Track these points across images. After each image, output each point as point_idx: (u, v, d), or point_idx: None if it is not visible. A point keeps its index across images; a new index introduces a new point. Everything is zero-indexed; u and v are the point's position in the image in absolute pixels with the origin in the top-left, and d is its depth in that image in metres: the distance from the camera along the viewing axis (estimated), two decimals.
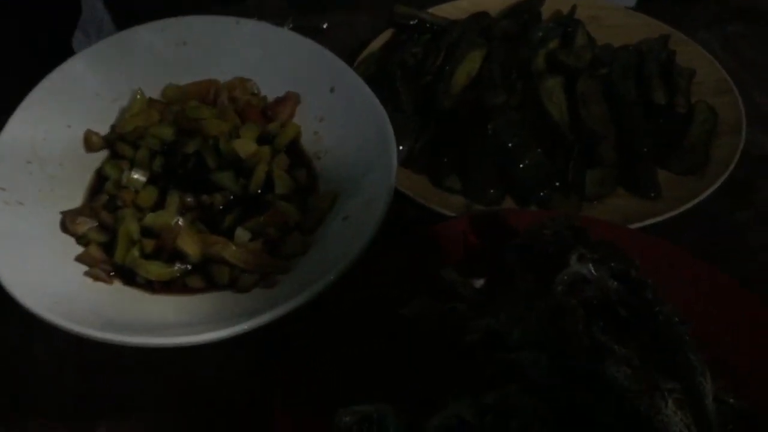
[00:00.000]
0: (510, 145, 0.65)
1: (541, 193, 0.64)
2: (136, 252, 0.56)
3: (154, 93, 0.68)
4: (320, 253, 0.56)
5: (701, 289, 0.53)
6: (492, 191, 0.64)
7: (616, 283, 0.46)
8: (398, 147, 0.66)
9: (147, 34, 0.69)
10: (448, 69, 0.70)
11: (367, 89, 0.64)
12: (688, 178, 0.65)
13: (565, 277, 0.46)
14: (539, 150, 0.65)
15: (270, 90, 0.69)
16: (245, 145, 0.62)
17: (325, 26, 0.85)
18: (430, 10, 0.81)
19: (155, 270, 0.55)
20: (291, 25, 0.82)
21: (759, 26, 0.83)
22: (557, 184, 0.64)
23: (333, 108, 0.66)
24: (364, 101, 0.64)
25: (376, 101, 0.63)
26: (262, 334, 0.48)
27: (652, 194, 0.64)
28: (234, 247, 0.55)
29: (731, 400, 0.48)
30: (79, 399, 0.53)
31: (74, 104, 0.65)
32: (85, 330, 0.47)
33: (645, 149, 0.65)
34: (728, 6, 0.86)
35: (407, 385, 0.44)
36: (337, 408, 0.42)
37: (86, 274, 0.55)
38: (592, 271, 0.46)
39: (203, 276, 0.56)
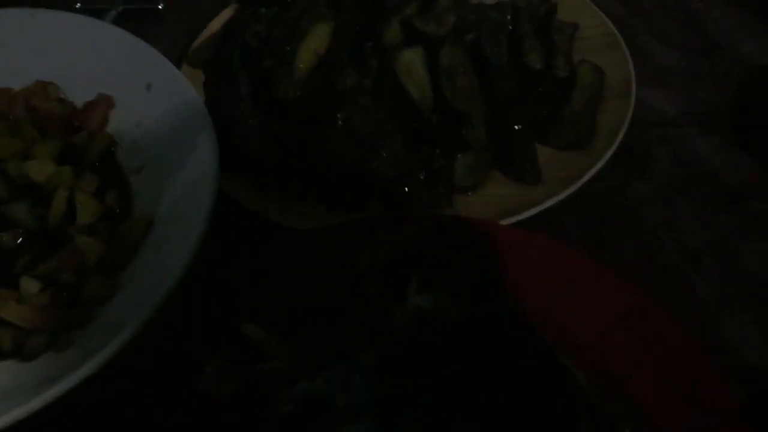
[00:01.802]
0: (364, 135, 0.55)
1: (406, 189, 0.54)
2: None
3: None
4: (129, 297, 0.45)
5: (579, 292, 0.44)
6: (349, 195, 0.54)
7: (464, 306, 0.37)
8: (237, 148, 0.57)
9: None
10: (290, 48, 0.59)
11: (187, 85, 0.54)
12: (574, 153, 0.56)
13: (403, 314, 0.37)
14: (399, 138, 0.55)
15: (78, 94, 0.57)
16: (41, 167, 0.51)
17: (161, 6, 0.73)
18: None
19: None
20: (120, 8, 0.71)
21: None
22: (422, 177, 0.55)
23: (151, 110, 0.55)
24: (185, 100, 0.53)
25: (196, 99, 0.53)
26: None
27: (531, 179, 0.55)
28: (15, 305, 0.45)
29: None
30: None
31: None
32: None
33: (519, 125, 0.56)
34: None
35: None
36: None
37: None
38: (433, 301, 0.37)
39: None
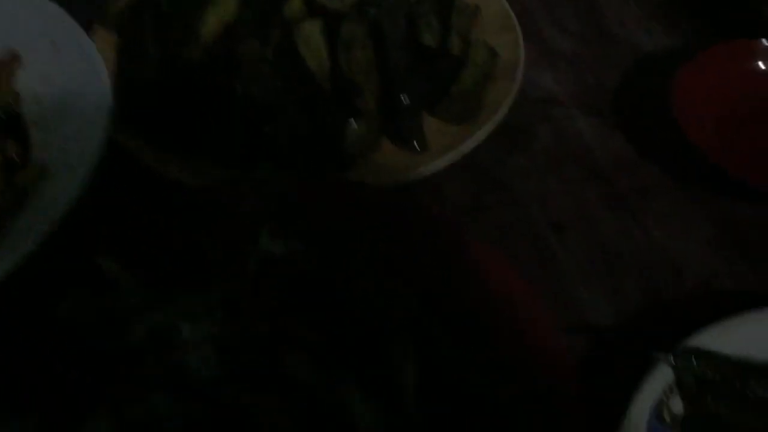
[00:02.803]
0: (261, 100, 0.58)
1: (299, 156, 0.57)
2: None
3: None
4: (14, 242, 0.48)
5: (428, 245, 0.47)
6: (240, 156, 0.57)
7: (313, 254, 0.41)
8: (142, 108, 0.60)
9: None
10: (198, 15, 0.62)
11: (88, 42, 0.56)
12: (460, 126, 0.60)
13: (253, 261, 0.40)
14: (295, 105, 0.58)
15: None
16: None
17: None
18: None
19: None
20: None
21: None
22: (317, 143, 0.58)
23: (56, 66, 0.57)
24: (83, 55, 0.56)
25: (94, 53, 0.55)
26: None
27: (416, 147, 0.58)
28: None
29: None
30: None
31: None
32: None
33: (408, 97, 0.59)
34: None
35: (54, 405, 0.38)
36: None
37: None
38: (284, 246, 0.40)
39: None
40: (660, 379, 0.44)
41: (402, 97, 0.59)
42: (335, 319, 0.39)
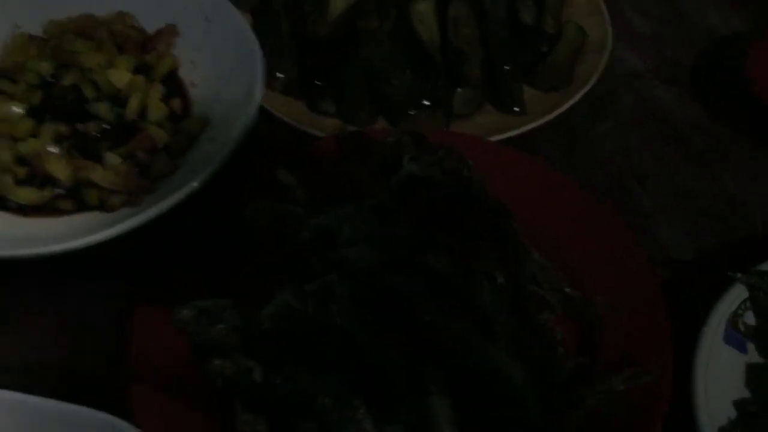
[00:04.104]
0: (381, 68, 0.68)
1: (411, 113, 0.66)
2: (8, 179, 0.58)
3: (34, 29, 0.69)
4: (187, 173, 0.58)
5: (541, 190, 0.56)
6: (363, 113, 0.67)
7: (446, 178, 0.50)
8: (276, 74, 0.70)
9: None
10: None
11: (240, 18, 0.67)
12: (553, 95, 0.68)
13: (398, 178, 0.49)
14: (409, 72, 0.68)
15: (149, 23, 0.70)
16: (120, 75, 0.64)
17: None
18: None
19: (25, 195, 0.57)
20: None
21: None
22: (426, 103, 0.67)
23: (209, 38, 0.68)
24: (237, 29, 0.66)
25: (248, 29, 0.65)
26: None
27: (516, 109, 0.67)
28: (102, 170, 0.58)
29: (567, 290, 0.52)
30: None
31: None
32: None
33: (508, 68, 0.68)
34: None
35: (247, 286, 0.47)
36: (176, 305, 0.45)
37: None
38: (422, 168, 0.49)
39: (74, 199, 0.58)
40: (736, 295, 0.51)
41: (504, 67, 0.68)
42: (464, 225, 0.48)
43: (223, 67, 0.66)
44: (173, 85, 0.67)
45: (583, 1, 0.76)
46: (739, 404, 0.47)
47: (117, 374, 0.49)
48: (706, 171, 0.64)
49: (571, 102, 0.66)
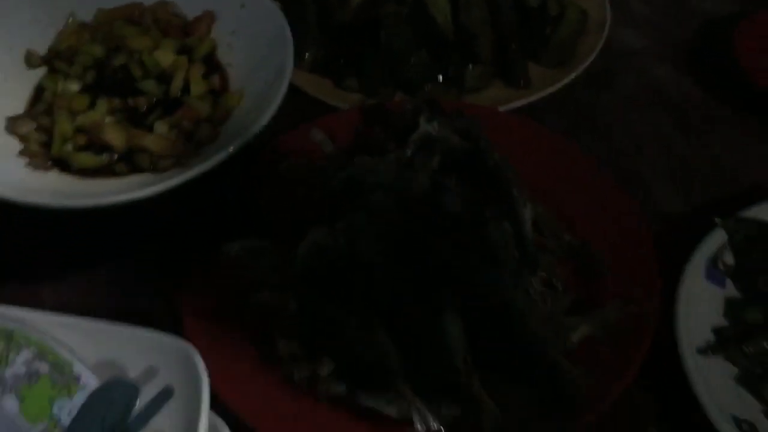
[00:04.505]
0: (399, 48, 0.74)
1: (426, 88, 0.73)
2: (69, 145, 0.65)
3: (86, 17, 0.77)
4: (227, 139, 0.65)
5: (543, 153, 0.63)
6: (384, 88, 0.73)
7: (456, 137, 0.56)
8: (305, 54, 0.77)
9: None
10: None
11: (272, 4, 0.74)
12: (557, 70, 0.75)
13: (416, 136, 0.56)
14: (424, 51, 0.75)
15: (189, 10, 0.78)
16: (165, 56, 0.72)
17: None
18: None
19: (86, 159, 0.65)
20: None
21: None
22: (440, 79, 0.74)
23: (243, 22, 0.75)
24: (270, 15, 0.73)
25: (279, 15, 0.72)
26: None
27: (522, 83, 0.73)
28: (152, 137, 0.65)
29: (566, 237, 0.59)
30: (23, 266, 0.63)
31: (15, 29, 0.74)
32: (31, 199, 0.57)
33: (515, 46, 0.75)
34: None
35: (284, 230, 0.54)
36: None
37: (27, 165, 0.64)
38: (437, 128, 0.56)
39: (128, 163, 0.65)
40: (717, 239, 0.57)
41: (512, 46, 0.75)
42: (474, 176, 0.55)
43: (257, 49, 0.73)
44: (212, 65, 0.74)
45: None
46: (716, 330, 0.54)
47: (170, 311, 0.56)
48: (697, 139, 0.70)
49: (572, 76, 0.72)
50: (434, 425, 0.48)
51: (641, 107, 0.73)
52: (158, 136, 0.65)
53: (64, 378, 0.48)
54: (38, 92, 0.72)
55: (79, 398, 0.47)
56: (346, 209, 0.52)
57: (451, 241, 0.51)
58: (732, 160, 0.68)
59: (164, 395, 0.46)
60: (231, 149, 0.61)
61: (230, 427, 0.47)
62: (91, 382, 0.48)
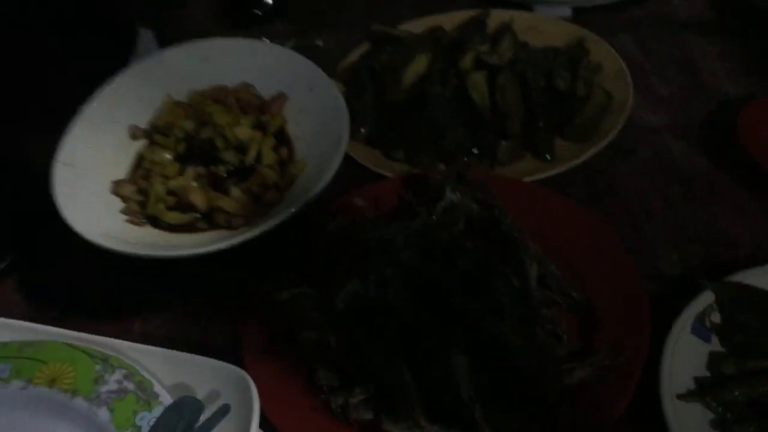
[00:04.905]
0: (441, 124, 0.86)
1: (464, 159, 0.85)
2: (161, 205, 0.79)
3: (181, 97, 0.92)
4: (290, 202, 0.78)
5: (561, 219, 0.73)
6: (426, 159, 0.85)
7: (476, 206, 0.67)
8: (361, 129, 0.90)
9: (177, 53, 0.93)
10: (400, 69, 0.92)
11: (335, 88, 0.86)
12: (581, 145, 0.84)
13: (442, 204, 0.67)
14: (463, 127, 0.86)
15: (266, 92, 0.92)
16: (243, 131, 0.85)
17: (320, 44, 1.07)
18: (400, 26, 1.03)
19: (174, 217, 0.79)
20: (293, 44, 1.05)
21: (666, 27, 1.01)
22: (475, 152, 0.85)
23: (310, 103, 0.88)
24: (332, 96, 0.86)
25: (340, 97, 0.85)
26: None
27: (548, 157, 0.84)
28: (228, 199, 0.78)
29: (574, 294, 0.68)
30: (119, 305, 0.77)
31: (123, 108, 0.89)
32: (129, 250, 0.71)
33: (542, 124, 0.85)
34: (647, 13, 1.04)
35: (328, 279, 0.66)
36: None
37: (126, 221, 0.79)
38: (459, 197, 0.67)
39: (208, 221, 0.79)
40: (705, 299, 0.66)
41: (539, 124, 0.85)
42: (489, 239, 0.65)
43: (320, 125, 0.86)
44: (282, 138, 0.87)
45: (611, 70, 0.92)
46: (697, 379, 0.61)
47: (234, 346, 0.68)
48: (702, 209, 0.78)
49: (593, 151, 0.82)
50: None
51: (654, 179, 0.82)
52: (233, 199, 0.79)
53: (146, 395, 0.61)
54: (139, 161, 0.87)
55: (156, 411, 0.60)
56: (378, 264, 0.63)
57: (463, 295, 0.61)
58: (733, 230, 0.76)
59: (222, 411, 0.58)
60: (292, 210, 0.73)
61: None
62: (166, 399, 0.60)
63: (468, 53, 0.91)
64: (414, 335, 0.60)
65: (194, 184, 0.81)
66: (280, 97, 0.90)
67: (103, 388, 0.60)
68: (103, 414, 0.59)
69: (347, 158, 0.83)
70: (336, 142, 0.80)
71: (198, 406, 0.59)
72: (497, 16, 1.01)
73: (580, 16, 1.03)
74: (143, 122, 0.90)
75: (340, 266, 0.66)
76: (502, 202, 0.69)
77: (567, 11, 1.04)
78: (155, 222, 0.79)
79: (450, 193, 0.67)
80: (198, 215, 0.80)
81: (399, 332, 0.61)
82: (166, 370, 0.62)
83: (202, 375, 0.61)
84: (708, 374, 0.62)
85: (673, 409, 0.59)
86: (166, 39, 0.98)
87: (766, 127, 0.81)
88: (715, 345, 0.64)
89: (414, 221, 0.66)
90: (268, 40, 1.05)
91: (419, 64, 0.92)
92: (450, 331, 0.60)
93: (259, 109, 0.90)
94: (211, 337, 0.72)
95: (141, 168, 0.85)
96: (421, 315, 0.61)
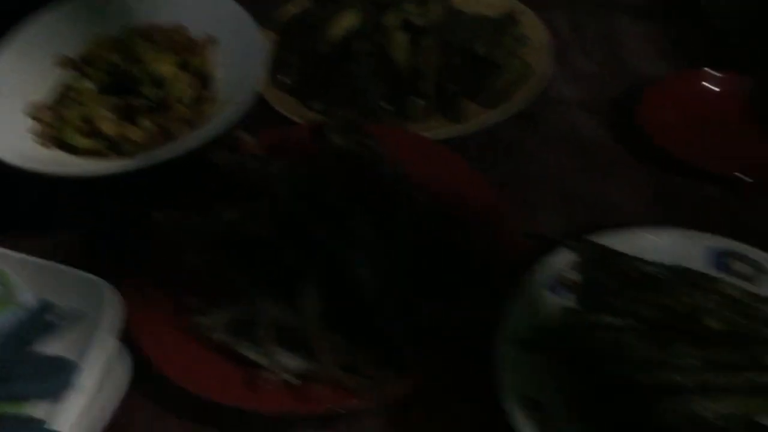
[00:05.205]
0: (362, 79, 0.88)
1: (379, 114, 0.87)
2: (70, 128, 0.82)
3: (114, 32, 0.94)
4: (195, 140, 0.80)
5: (439, 163, 0.77)
6: (342, 112, 0.87)
7: (358, 150, 0.70)
8: (286, 79, 0.92)
9: None
10: (329, 24, 0.94)
11: (259, 36, 0.89)
12: (493, 111, 0.87)
13: (329, 145, 0.70)
14: (382, 83, 0.88)
15: (198, 34, 0.94)
16: (165, 67, 0.88)
17: None
18: None
19: (79, 140, 0.81)
20: None
21: (601, 8, 1.03)
22: (391, 108, 0.87)
23: (236, 48, 0.90)
24: (256, 44, 0.88)
25: (263, 44, 0.88)
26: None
27: (458, 119, 0.86)
28: (137, 130, 0.81)
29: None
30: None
31: (55, 37, 0.91)
32: (34, 166, 0.74)
33: (455, 87, 0.87)
34: None
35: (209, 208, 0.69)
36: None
37: (35, 140, 0.82)
38: (342, 140, 0.69)
39: (117, 150, 0.81)
40: (564, 256, 0.68)
41: (452, 86, 0.87)
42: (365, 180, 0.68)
43: (242, 69, 0.88)
44: (204, 78, 0.90)
45: (537, 43, 0.94)
46: (537, 329, 0.64)
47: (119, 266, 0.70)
48: (595, 179, 0.80)
49: (499, 117, 0.84)
50: (286, 370, 0.60)
51: (556, 149, 0.84)
52: (141, 129, 0.82)
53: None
54: (66, 90, 0.89)
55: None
56: (255, 196, 0.66)
57: (325, 229, 0.63)
58: (621, 199, 0.78)
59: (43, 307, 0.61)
60: (185, 146, 0.76)
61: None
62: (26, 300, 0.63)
63: (394, 12, 0.93)
64: (275, 264, 0.63)
65: (109, 113, 0.84)
66: (209, 40, 0.93)
67: None
68: None
69: (267, 106, 0.85)
70: (251, 86, 0.83)
71: (51, 311, 0.62)
72: None
73: None
74: (75, 54, 0.92)
75: (223, 197, 0.69)
76: (389, 151, 0.71)
77: None
78: (64, 146, 0.82)
79: (335, 137, 0.70)
80: (108, 142, 0.82)
81: (262, 262, 0.63)
82: (27, 276, 0.64)
83: (66, 284, 0.63)
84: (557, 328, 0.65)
85: (505, 352, 0.61)
86: None
87: (661, 108, 0.83)
88: (567, 300, 0.66)
89: (297, 160, 0.68)
90: None
91: (348, 20, 0.94)
92: (306, 262, 0.62)
93: (186, 49, 0.92)
94: (98, 262, 0.74)
95: (65, 97, 0.88)
96: (284, 246, 0.63)
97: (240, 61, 0.89)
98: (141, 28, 0.94)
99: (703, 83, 0.86)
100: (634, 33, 0.98)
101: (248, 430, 0.63)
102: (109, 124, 0.82)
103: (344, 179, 0.67)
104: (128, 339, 0.64)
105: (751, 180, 0.76)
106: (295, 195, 0.66)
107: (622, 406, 0.59)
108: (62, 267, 0.64)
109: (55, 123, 0.84)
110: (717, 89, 0.85)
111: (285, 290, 0.63)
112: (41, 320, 0.62)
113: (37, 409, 0.58)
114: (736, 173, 0.77)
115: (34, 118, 0.84)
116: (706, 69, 0.87)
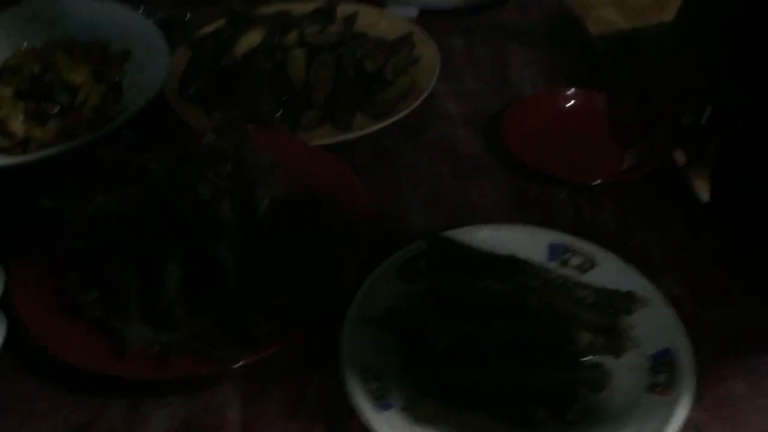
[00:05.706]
0: (257, 92, 0.96)
1: (272, 123, 0.94)
2: None
3: (37, 44, 1.02)
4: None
5: (317, 163, 0.84)
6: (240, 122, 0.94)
7: (232, 148, 0.77)
8: (190, 89, 1.00)
9: (39, 4, 1.04)
10: (235, 40, 1.02)
11: (167, 52, 0.97)
12: (377, 121, 0.94)
13: (204, 144, 0.77)
14: (275, 96, 0.96)
15: (115, 47, 1.02)
16: (77, 76, 0.95)
17: (188, 17, 1.17)
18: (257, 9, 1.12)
19: None
20: (160, 16, 1.15)
21: (496, 35, 1.12)
22: (285, 118, 0.95)
23: (146, 61, 0.99)
24: (162, 58, 0.97)
25: (168, 58, 0.96)
26: None
27: (347, 129, 0.93)
28: (42, 130, 0.88)
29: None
30: None
31: None
32: None
33: (344, 99, 0.95)
34: (484, 22, 1.15)
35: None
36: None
37: None
38: (216, 140, 0.77)
39: (24, 148, 0.88)
40: (415, 248, 0.75)
41: (341, 99, 0.95)
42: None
43: (149, 79, 0.96)
44: (114, 86, 0.97)
45: (428, 63, 1.02)
46: (388, 309, 0.70)
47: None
48: (463, 184, 0.88)
49: (380, 126, 0.92)
50: (149, 342, 0.67)
51: (432, 157, 0.92)
52: (46, 130, 0.89)
53: None
54: None
55: None
56: (131, 184, 0.73)
57: (192, 214, 0.70)
58: (482, 203, 0.86)
59: None
60: (75, 142, 0.84)
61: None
62: None
63: (293, 31, 1.01)
64: (143, 245, 0.70)
65: (20, 116, 0.91)
66: (124, 52, 1.01)
67: None
68: None
69: (172, 113, 0.93)
70: (152, 96, 0.91)
71: None
72: (346, 9, 1.12)
73: (424, 17, 1.13)
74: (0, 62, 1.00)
75: (106, 186, 0.75)
76: (263, 151, 0.79)
77: (414, 12, 1.15)
78: None
79: (212, 137, 0.77)
80: (16, 141, 0.89)
81: (133, 244, 0.70)
82: None
83: None
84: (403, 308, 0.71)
85: (351, 330, 0.68)
86: None
87: (520, 125, 0.92)
88: (418, 285, 0.73)
89: (175, 154, 0.76)
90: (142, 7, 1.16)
91: (253, 38, 1.02)
92: (172, 245, 0.69)
93: (101, 61, 1.00)
94: None
95: None
96: (153, 231, 0.70)
97: (149, 72, 0.97)
98: (62, 41, 1.02)
99: (560, 100, 0.95)
100: (521, 58, 1.07)
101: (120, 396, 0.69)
102: (18, 125, 0.89)
103: (213, 172, 0.74)
104: (8, 309, 0.71)
105: (595, 184, 0.85)
106: (168, 186, 0.72)
107: (448, 375, 0.66)
108: None
109: None
110: (572, 105, 0.95)
111: (153, 270, 0.69)
112: None
113: None
114: (584, 180, 0.85)
115: None
116: (563, 87, 0.96)
